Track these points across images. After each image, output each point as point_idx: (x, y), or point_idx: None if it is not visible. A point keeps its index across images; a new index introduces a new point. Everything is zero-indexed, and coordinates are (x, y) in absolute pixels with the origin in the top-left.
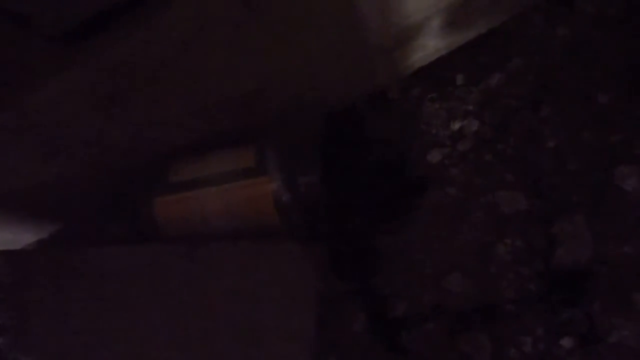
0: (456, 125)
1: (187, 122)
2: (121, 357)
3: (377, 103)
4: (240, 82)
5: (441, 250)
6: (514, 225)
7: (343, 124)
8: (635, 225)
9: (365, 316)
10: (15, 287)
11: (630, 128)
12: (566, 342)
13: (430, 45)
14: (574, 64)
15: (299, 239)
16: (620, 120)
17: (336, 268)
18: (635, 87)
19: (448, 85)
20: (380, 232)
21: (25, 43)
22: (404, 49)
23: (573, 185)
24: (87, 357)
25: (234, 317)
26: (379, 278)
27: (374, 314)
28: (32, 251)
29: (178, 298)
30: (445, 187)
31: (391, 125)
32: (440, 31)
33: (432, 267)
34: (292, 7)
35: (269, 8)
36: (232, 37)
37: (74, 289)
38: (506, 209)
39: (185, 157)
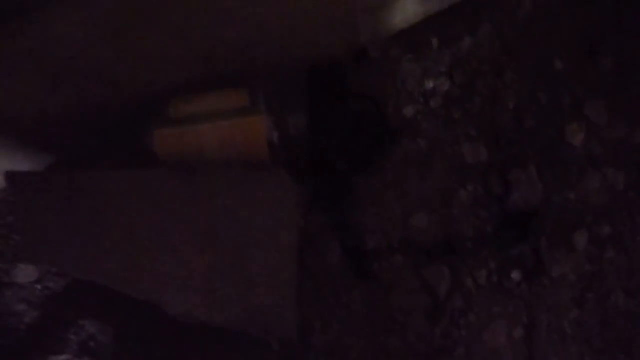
0: (429, 85)
1: (187, 63)
2: (125, 265)
3: (359, 60)
4: (238, 30)
5: (410, 193)
6: (475, 173)
7: (327, 76)
8: (579, 175)
9: (340, 248)
10: (28, 205)
11: (580, 91)
12: (516, 275)
13: (410, 10)
14: (535, 34)
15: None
16: (572, 84)
17: (315, 204)
18: (587, 55)
19: (424, 47)
20: (357, 174)
21: None
22: (386, 10)
23: (528, 140)
24: (95, 266)
25: (224, 231)
26: (354, 214)
27: (348, 246)
28: (41, 172)
29: (177, 215)
30: (416, 139)
31: (371, 81)
32: None
33: (402, 207)
34: None
35: None
36: None
37: (83, 206)
38: (469, 160)
39: (184, 95)
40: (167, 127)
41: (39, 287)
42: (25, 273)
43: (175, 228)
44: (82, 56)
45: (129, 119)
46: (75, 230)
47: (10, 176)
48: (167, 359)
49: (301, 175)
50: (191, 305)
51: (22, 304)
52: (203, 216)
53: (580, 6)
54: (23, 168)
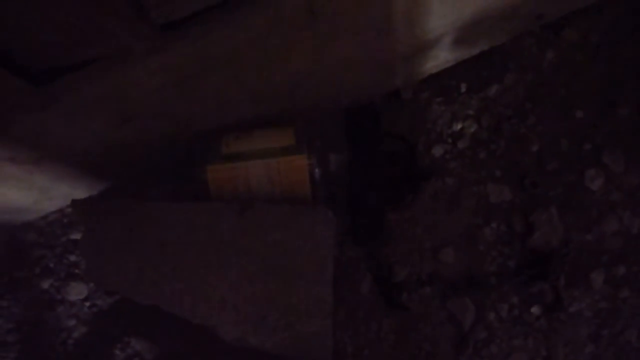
0: (457, 126)
1: (239, 104)
2: (183, 291)
3: (392, 101)
4: (286, 77)
5: (438, 229)
6: (499, 212)
7: (362, 116)
8: (597, 218)
9: (372, 279)
10: (92, 231)
11: (599, 139)
12: (535, 310)
13: (441, 57)
14: (557, 82)
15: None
16: (592, 132)
17: (350, 236)
18: (606, 106)
19: (453, 91)
20: (389, 209)
21: (128, 25)
22: (420, 57)
23: (550, 183)
24: (154, 291)
25: (273, 262)
26: (385, 247)
27: (379, 278)
28: (105, 201)
29: (231, 246)
30: (444, 177)
31: (403, 121)
32: (451, 46)
33: (430, 242)
34: (343, 16)
35: (326, 15)
36: (292, 39)
37: (142, 235)
38: (494, 199)
39: (235, 133)
40: (219, 162)
41: (87, 304)
42: (76, 290)
43: (229, 258)
44: (150, 98)
45: (182, 152)
46: (135, 256)
47: (75, 203)
48: None
49: (337, 209)
50: (244, 331)
51: (71, 319)
52: (254, 248)
53: (600, 59)
54: (80, 192)
